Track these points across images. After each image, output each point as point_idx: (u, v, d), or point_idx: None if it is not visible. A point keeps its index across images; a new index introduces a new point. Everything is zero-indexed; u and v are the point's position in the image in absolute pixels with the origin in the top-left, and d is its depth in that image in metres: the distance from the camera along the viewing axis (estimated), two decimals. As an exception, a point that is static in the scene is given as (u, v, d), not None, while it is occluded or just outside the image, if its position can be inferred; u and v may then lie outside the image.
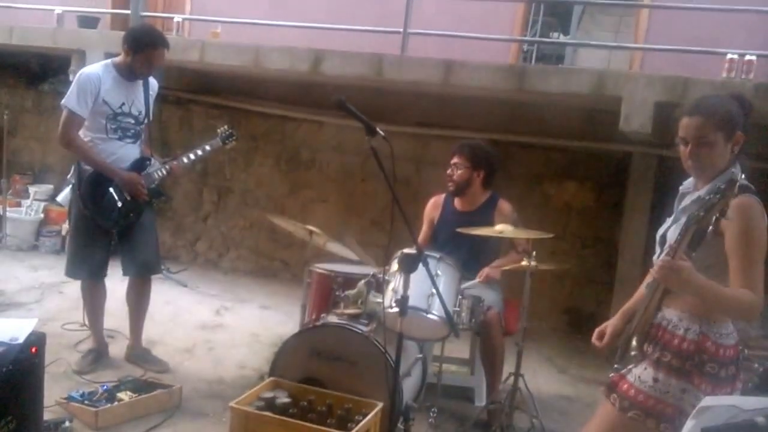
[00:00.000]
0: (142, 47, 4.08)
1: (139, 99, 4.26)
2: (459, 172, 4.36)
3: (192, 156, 4.40)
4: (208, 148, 4.45)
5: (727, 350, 2.31)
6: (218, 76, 6.97)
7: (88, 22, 7.02)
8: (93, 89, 4.07)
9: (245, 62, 5.96)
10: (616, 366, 2.52)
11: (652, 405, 2.33)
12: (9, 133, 7.42)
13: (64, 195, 7.26)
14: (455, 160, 4.39)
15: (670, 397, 2.31)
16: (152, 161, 4.36)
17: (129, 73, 4.19)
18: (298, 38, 6.40)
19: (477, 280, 4.16)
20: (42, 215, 7.38)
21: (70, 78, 6.50)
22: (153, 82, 4.41)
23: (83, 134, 4.17)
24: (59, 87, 7.59)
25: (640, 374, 2.38)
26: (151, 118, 4.43)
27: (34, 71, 8.01)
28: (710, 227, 2.06)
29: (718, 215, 2.03)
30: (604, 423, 2.49)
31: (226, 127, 4.59)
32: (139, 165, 4.28)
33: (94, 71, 4.14)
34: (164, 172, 4.31)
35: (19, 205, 7.47)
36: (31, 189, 7.60)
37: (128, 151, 4.25)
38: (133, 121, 4.24)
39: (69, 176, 4.32)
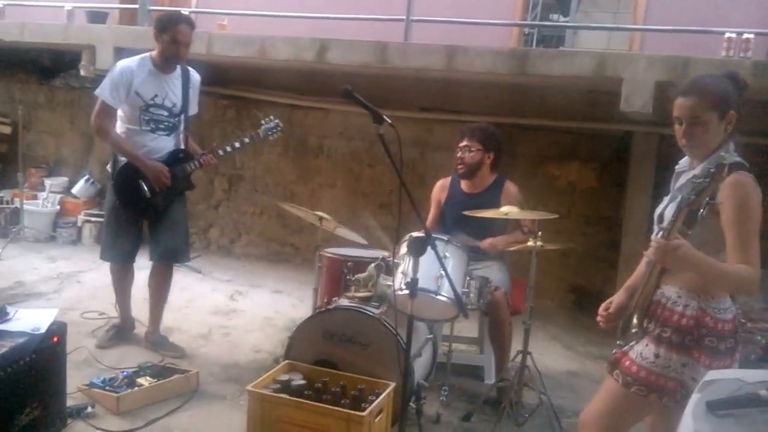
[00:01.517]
0: (165, 27, 4.15)
1: (174, 92, 4.31)
2: (470, 154, 4.40)
3: (228, 149, 4.44)
4: (246, 140, 4.48)
5: (726, 324, 2.36)
6: (226, 67, 7.02)
7: (97, 17, 7.09)
8: (125, 81, 4.16)
9: (252, 53, 6.00)
10: (618, 342, 2.56)
11: (654, 380, 2.38)
12: (23, 127, 7.51)
13: (79, 187, 7.43)
14: (465, 143, 4.42)
15: (671, 371, 2.36)
16: (188, 153, 4.42)
17: (163, 64, 4.25)
18: (303, 28, 6.46)
19: (481, 244, 4.23)
20: (58, 207, 7.49)
21: (82, 73, 6.62)
22: (195, 77, 4.45)
23: (119, 125, 4.28)
24: (71, 81, 7.71)
25: (641, 351, 2.42)
26: (193, 111, 4.49)
27: (46, 67, 8.07)
28: (702, 210, 2.08)
29: (708, 199, 2.06)
30: (608, 399, 2.54)
31: (271, 117, 4.59)
32: (173, 156, 4.35)
33: (128, 64, 4.23)
34: (196, 164, 4.37)
35: (35, 197, 7.57)
36: (47, 182, 7.69)
37: (161, 143, 4.32)
38: (166, 113, 4.29)
39: (111, 166, 4.39)
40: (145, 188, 4.25)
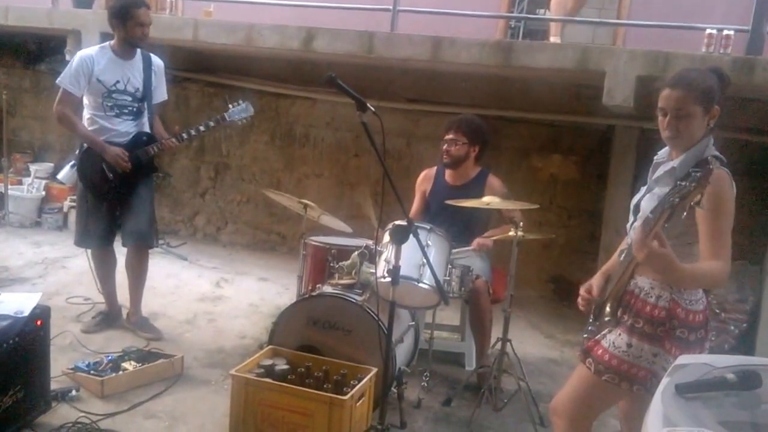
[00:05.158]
0: (128, 12, 4.24)
1: (135, 77, 4.38)
2: (456, 147, 4.44)
3: (193, 132, 4.46)
4: (211, 123, 4.48)
5: (697, 315, 2.41)
6: (213, 54, 7.02)
7: (83, 2, 7.01)
8: (86, 70, 4.26)
9: (238, 40, 5.99)
10: (589, 329, 2.62)
11: (626, 369, 2.42)
12: (8, 112, 7.48)
13: (65, 173, 7.38)
14: (451, 135, 4.45)
15: (643, 361, 2.40)
16: (151, 137, 4.46)
17: (123, 50, 4.35)
18: (290, 16, 6.47)
19: (470, 247, 4.27)
20: (43, 193, 7.46)
21: (67, 58, 6.57)
22: (157, 62, 4.52)
23: (85, 112, 4.37)
24: (56, 67, 7.63)
25: (614, 340, 2.46)
26: (162, 98, 4.57)
27: (31, 51, 8.04)
28: (685, 213, 2.06)
29: (693, 204, 2.03)
30: (580, 386, 2.59)
31: (239, 101, 4.57)
32: (136, 140, 4.41)
33: (88, 53, 4.34)
34: (156, 148, 4.41)
35: (20, 183, 7.54)
36: (32, 167, 7.66)
37: (127, 128, 4.39)
38: (129, 99, 4.37)
39: (77, 152, 4.46)
40: (107, 171, 4.32)
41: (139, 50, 4.42)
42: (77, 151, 4.48)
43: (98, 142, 4.29)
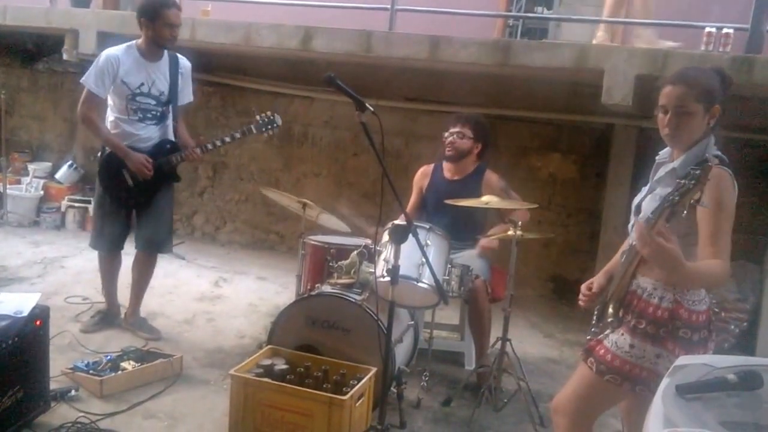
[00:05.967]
0: (158, 12, 4.12)
1: (160, 79, 4.29)
2: (462, 140, 4.44)
3: (218, 143, 4.37)
4: (237, 135, 4.36)
5: (700, 316, 2.39)
6: (211, 54, 7.00)
7: (81, 1, 7.03)
8: (111, 70, 4.15)
9: (236, 40, 5.99)
10: (593, 330, 2.59)
11: (628, 369, 2.40)
12: (6, 112, 7.43)
13: (63, 172, 7.39)
14: (458, 128, 4.46)
15: (645, 361, 2.38)
16: (175, 145, 4.40)
17: (150, 51, 4.24)
18: (288, 15, 6.46)
19: (476, 251, 4.30)
20: (42, 192, 7.45)
21: (65, 57, 6.58)
22: (184, 63, 4.42)
23: (109, 114, 4.29)
24: (54, 66, 7.66)
25: (616, 340, 2.45)
26: (187, 99, 4.48)
27: (29, 51, 8.00)
28: (685, 211, 2.05)
29: (692, 201, 2.02)
30: (582, 385, 2.57)
31: (269, 114, 4.41)
32: (160, 148, 4.35)
33: (114, 52, 4.21)
34: (180, 158, 4.35)
35: (18, 182, 7.53)
36: (30, 167, 7.65)
37: (150, 132, 4.32)
38: (154, 102, 4.28)
39: (98, 156, 4.40)
40: (128, 177, 4.27)
41: (165, 51, 4.31)
42: (98, 154, 4.39)
43: (122, 148, 4.21)
